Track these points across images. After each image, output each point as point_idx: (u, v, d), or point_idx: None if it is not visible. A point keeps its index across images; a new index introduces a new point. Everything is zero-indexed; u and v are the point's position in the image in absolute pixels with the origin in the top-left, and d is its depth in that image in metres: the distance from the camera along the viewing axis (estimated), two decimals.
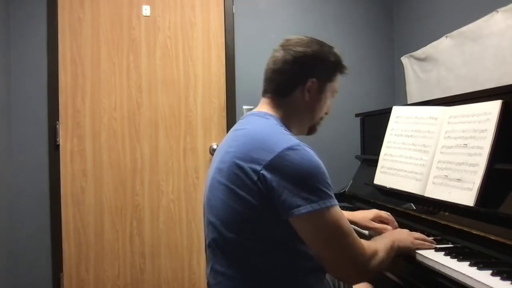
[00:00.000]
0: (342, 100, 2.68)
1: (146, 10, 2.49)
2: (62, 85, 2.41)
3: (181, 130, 2.52)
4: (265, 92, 1.14)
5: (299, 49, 1.09)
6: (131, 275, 2.46)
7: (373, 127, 2.10)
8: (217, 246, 1.01)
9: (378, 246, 1.02)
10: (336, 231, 0.93)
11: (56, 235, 2.38)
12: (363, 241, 0.98)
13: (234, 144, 1.01)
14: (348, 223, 0.96)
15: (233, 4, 2.55)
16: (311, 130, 1.19)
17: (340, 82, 1.17)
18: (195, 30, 2.53)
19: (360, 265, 0.95)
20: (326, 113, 1.18)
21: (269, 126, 1.03)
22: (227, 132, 2.72)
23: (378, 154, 1.72)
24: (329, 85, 1.14)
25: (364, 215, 1.37)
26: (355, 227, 1.39)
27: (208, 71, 2.54)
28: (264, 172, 0.92)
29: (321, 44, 1.15)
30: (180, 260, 2.51)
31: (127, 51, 2.47)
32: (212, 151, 2.50)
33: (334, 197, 0.95)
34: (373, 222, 1.35)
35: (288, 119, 1.10)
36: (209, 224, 1.04)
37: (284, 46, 1.11)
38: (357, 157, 2.16)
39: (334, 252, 0.94)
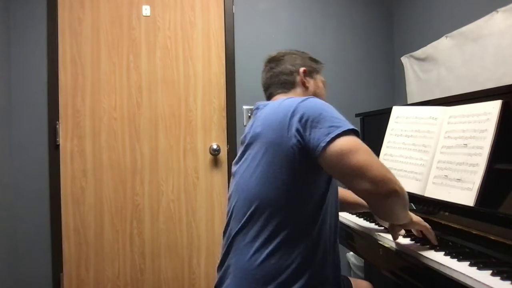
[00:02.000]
0: (342, 100, 2.69)
1: (146, 10, 2.49)
2: (62, 85, 2.41)
3: (181, 130, 2.52)
4: (271, 95, 1.31)
5: (279, 55, 1.34)
6: (131, 275, 2.46)
7: (373, 127, 2.10)
8: (243, 202, 1.12)
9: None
10: (358, 147, 1.00)
11: (56, 235, 2.38)
12: None
13: (263, 118, 1.15)
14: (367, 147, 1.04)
15: (233, 4, 2.55)
16: None
17: (323, 75, 1.38)
18: (195, 30, 2.53)
19: (389, 180, 0.98)
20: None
21: (285, 98, 1.17)
22: (227, 132, 2.72)
23: (378, 154, 1.72)
24: (317, 74, 1.35)
25: None
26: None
27: (208, 71, 2.54)
28: (290, 125, 1.05)
29: (292, 51, 1.37)
30: (180, 260, 2.51)
31: (127, 51, 2.47)
32: (212, 151, 2.50)
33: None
34: None
35: None
36: (247, 200, 1.12)
37: (269, 62, 1.34)
38: None
39: (357, 165, 0.98)
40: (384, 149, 1.69)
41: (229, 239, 1.14)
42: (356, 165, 0.98)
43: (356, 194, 1.03)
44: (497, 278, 0.90)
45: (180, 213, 2.51)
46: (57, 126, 2.39)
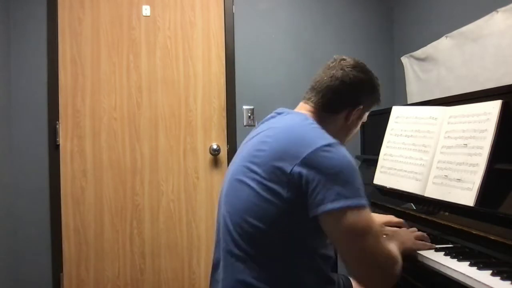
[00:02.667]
0: None
1: (146, 10, 2.49)
2: (62, 85, 2.41)
3: (181, 130, 2.52)
4: (308, 100, 1.16)
5: (357, 74, 1.13)
6: (131, 275, 2.46)
7: (373, 127, 2.10)
8: (234, 229, 1.02)
9: (397, 251, 1.02)
10: (366, 230, 0.92)
11: (56, 235, 2.38)
12: (389, 244, 0.99)
13: (272, 135, 1.04)
14: (378, 227, 0.96)
15: (233, 4, 2.55)
16: None
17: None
18: (195, 30, 2.53)
19: (387, 268, 0.95)
20: (348, 140, 1.23)
21: (308, 124, 1.05)
22: (227, 132, 2.72)
23: (378, 154, 1.72)
24: (366, 113, 1.21)
25: (378, 219, 1.36)
26: None
27: (208, 71, 2.54)
28: (299, 166, 0.93)
29: (371, 73, 1.20)
30: (180, 260, 2.51)
31: (127, 51, 2.47)
32: (212, 151, 2.50)
33: (366, 199, 0.95)
34: (386, 227, 1.35)
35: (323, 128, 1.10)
36: (230, 206, 1.06)
37: (343, 66, 1.14)
38: (357, 157, 2.16)
39: (361, 252, 0.92)
40: (384, 149, 1.69)
41: (220, 253, 1.09)
42: (358, 246, 0.92)
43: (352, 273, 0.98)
44: (497, 278, 0.90)
45: (180, 213, 2.51)
46: (57, 126, 2.39)
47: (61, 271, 2.39)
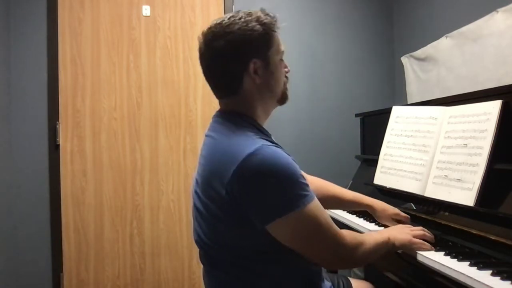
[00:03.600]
0: (342, 100, 2.69)
1: (146, 10, 2.49)
2: (62, 85, 2.41)
3: (181, 130, 2.52)
4: (219, 98, 1.09)
5: (221, 42, 0.97)
6: (131, 275, 2.46)
7: (373, 127, 2.10)
8: (206, 246, 1.04)
9: (366, 238, 1.02)
10: (315, 227, 0.91)
11: (56, 235, 2.38)
12: (347, 233, 0.97)
13: (204, 157, 1.02)
14: (326, 216, 0.93)
15: (233, 4, 2.55)
16: (282, 100, 1.09)
17: (280, 38, 1.04)
18: (195, 30, 2.53)
19: (342, 256, 0.96)
20: (286, 76, 1.08)
21: (230, 132, 0.97)
22: None
23: (378, 154, 1.72)
24: (271, 52, 1.01)
25: (384, 208, 1.36)
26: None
27: None
28: (230, 184, 0.88)
29: (239, 21, 0.98)
30: (180, 260, 2.51)
31: (127, 51, 2.47)
32: None
33: (307, 190, 0.90)
34: (391, 219, 1.35)
35: (251, 108, 1.03)
36: (195, 231, 1.10)
37: (207, 43, 1.00)
38: (357, 157, 2.16)
39: (315, 247, 0.93)
40: (384, 149, 1.69)
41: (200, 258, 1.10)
42: (310, 243, 0.93)
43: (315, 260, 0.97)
44: (497, 278, 0.90)
45: (180, 213, 2.51)
46: (57, 126, 2.39)
47: (61, 271, 2.39)
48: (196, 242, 1.08)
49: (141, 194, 2.48)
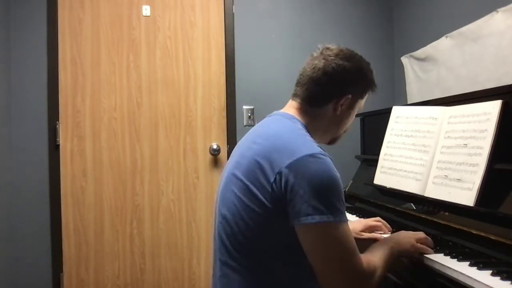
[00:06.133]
0: None
1: (146, 10, 2.49)
2: (62, 85, 2.41)
3: (181, 130, 2.52)
4: (295, 96, 1.12)
5: (341, 62, 1.06)
6: (131, 275, 2.46)
7: (373, 127, 2.10)
8: (227, 238, 1.01)
9: (377, 263, 0.98)
10: (340, 248, 0.91)
11: (56, 235, 2.38)
12: (363, 258, 0.95)
13: (258, 141, 1.01)
14: (354, 242, 0.93)
15: (233, 4, 2.55)
16: (331, 142, 1.19)
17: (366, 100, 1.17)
18: (195, 30, 2.53)
19: (356, 285, 0.93)
20: (345, 130, 1.17)
21: (295, 130, 1.02)
22: (227, 132, 2.72)
23: (378, 154, 1.72)
24: (359, 102, 1.14)
25: (353, 227, 1.33)
26: None
27: (208, 71, 2.54)
28: (281, 174, 0.91)
29: (361, 59, 1.12)
30: (180, 260, 2.51)
31: (127, 51, 2.47)
32: (212, 151, 2.50)
33: (345, 214, 0.93)
34: (363, 233, 1.34)
35: (314, 128, 1.09)
36: (220, 216, 1.04)
37: (325, 56, 1.08)
38: (357, 157, 2.16)
39: (332, 268, 0.91)
40: (384, 149, 1.69)
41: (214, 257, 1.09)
42: (330, 262, 0.91)
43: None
44: (497, 278, 0.90)
45: (180, 213, 2.51)
46: (57, 126, 2.39)
47: (61, 271, 2.39)
48: (222, 233, 1.02)
49: (141, 194, 2.48)
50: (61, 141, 2.40)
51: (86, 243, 2.42)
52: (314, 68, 1.08)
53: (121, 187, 2.46)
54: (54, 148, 2.39)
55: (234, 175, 1.01)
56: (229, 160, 1.13)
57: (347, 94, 1.08)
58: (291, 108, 1.12)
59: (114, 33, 2.46)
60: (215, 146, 2.51)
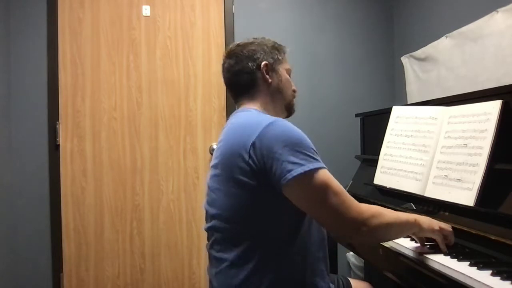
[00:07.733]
0: (342, 100, 2.69)
1: (146, 10, 2.49)
2: (62, 85, 2.41)
3: (181, 130, 2.52)
4: (236, 101, 1.25)
5: (239, 48, 1.25)
6: (131, 275, 2.46)
7: (373, 127, 2.10)
8: (221, 233, 1.07)
9: (386, 211, 1.03)
10: (327, 190, 0.96)
11: (56, 235, 2.38)
12: (363, 204, 1.00)
13: (223, 138, 1.12)
14: (339, 184, 0.99)
15: (233, 4, 2.55)
16: (289, 110, 1.28)
17: (288, 62, 1.31)
18: (195, 30, 2.53)
19: (356, 223, 0.96)
20: (294, 91, 1.28)
21: (252, 115, 1.13)
22: None
23: (378, 154, 1.72)
24: (279, 62, 1.26)
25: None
26: None
27: (208, 71, 2.54)
28: (255, 146, 0.99)
29: (256, 40, 1.31)
30: (180, 260, 2.51)
31: (127, 51, 2.47)
32: (212, 151, 2.51)
33: (319, 159, 1.00)
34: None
35: (266, 107, 1.21)
36: (211, 218, 1.10)
37: (228, 55, 1.25)
38: (357, 157, 2.16)
39: (329, 211, 0.96)
40: (384, 149, 1.69)
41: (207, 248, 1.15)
42: (324, 206, 0.96)
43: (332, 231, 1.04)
44: (497, 278, 0.90)
45: (180, 213, 2.51)
46: (57, 126, 2.39)
47: (61, 271, 2.39)
48: (212, 227, 1.10)
49: (141, 194, 2.48)
50: (61, 141, 2.40)
51: (86, 243, 2.42)
52: (227, 68, 1.24)
53: (121, 187, 2.46)
54: (54, 148, 2.39)
55: (215, 175, 1.10)
56: (207, 173, 1.20)
57: (262, 62, 1.21)
58: (240, 107, 1.24)
59: (114, 33, 2.46)
60: (215, 146, 2.50)
